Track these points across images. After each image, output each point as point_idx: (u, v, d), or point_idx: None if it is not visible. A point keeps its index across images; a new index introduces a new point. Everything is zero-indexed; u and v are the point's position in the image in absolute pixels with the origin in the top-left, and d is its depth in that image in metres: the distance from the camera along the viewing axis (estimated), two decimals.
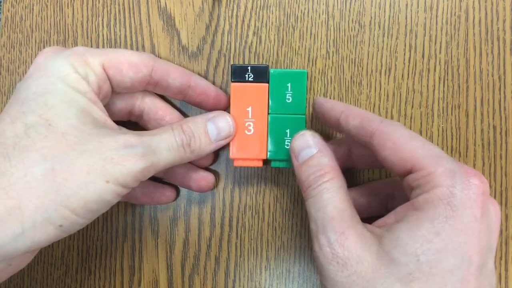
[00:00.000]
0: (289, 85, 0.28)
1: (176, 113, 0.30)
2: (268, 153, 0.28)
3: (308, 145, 0.25)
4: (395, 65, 0.31)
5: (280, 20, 0.32)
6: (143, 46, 0.33)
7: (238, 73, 0.28)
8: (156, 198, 0.31)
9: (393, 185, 0.28)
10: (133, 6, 0.33)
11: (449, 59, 0.31)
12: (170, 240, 0.32)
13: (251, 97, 0.28)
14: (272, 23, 0.32)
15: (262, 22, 0.32)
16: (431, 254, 0.20)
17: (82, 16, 0.33)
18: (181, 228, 0.32)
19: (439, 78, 0.31)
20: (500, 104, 0.31)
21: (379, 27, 0.31)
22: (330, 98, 0.31)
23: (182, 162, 0.26)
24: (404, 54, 0.31)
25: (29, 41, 0.33)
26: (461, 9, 0.31)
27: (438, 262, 0.20)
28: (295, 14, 0.32)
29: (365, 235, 0.22)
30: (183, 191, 0.33)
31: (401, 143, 0.23)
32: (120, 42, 0.33)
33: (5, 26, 0.34)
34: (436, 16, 0.31)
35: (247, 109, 0.28)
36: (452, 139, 0.31)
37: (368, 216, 0.28)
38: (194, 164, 0.31)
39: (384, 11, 0.31)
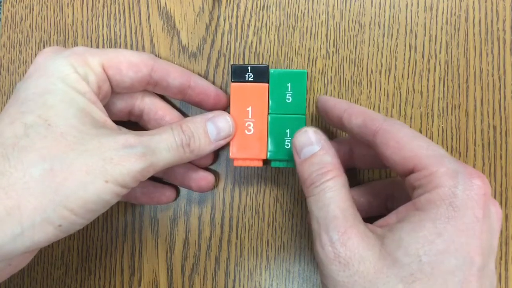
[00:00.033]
0: (289, 85, 0.28)
1: (176, 113, 0.30)
2: (268, 153, 0.28)
3: (310, 142, 0.25)
4: (395, 65, 0.31)
5: (280, 20, 0.31)
6: (143, 46, 0.32)
7: (238, 73, 0.28)
8: (156, 198, 0.31)
9: (393, 185, 0.28)
10: (133, 6, 0.32)
11: (449, 59, 0.31)
12: (170, 240, 0.32)
13: (251, 97, 0.28)
14: (272, 23, 0.31)
15: (262, 22, 0.32)
16: (433, 255, 0.20)
17: (82, 16, 0.33)
18: (181, 228, 0.32)
19: (439, 78, 0.31)
20: (500, 104, 0.30)
21: (379, 27, 0.31)
22: None
23: (182, 162, 0.26)
24: (404, 54, 0.31)
25: (29, 41, 0.33)
26: (461, 9, 0.31)
27: (440, 263, 0.20)
28: (295, 14, 0.31)
29: (367, 235, 0.22)
30: (183, 191, 0.32)
31: (404, 142, 0.22)
32: (120, 42, 0.33)
33: (5, 26, 0.33)
34: (436, 16, 0.31)
35: (247, 109, 0.28)
36: (452, 139, 0.31)
37: (368, 216, 0.27)
38: (194, 164, 0.31)
39: (384, 11, 0.31)
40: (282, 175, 0.32)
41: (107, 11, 0.33)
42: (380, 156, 0.24)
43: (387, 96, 0.31)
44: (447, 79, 0.31)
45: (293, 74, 0.28)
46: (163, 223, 0.32)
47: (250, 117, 0.28)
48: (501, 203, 0.30)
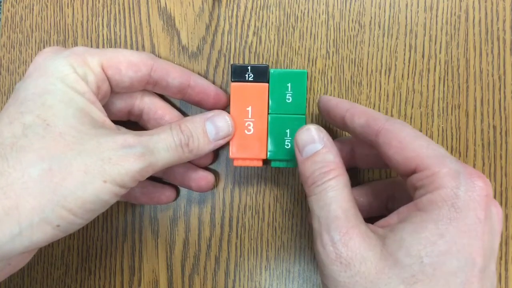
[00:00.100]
0: (289, 85, 0.28)
1: (175, 113, 0.30)
2: (268, 153, 0.28)
3: (313, 140, 0.24)
4: (395, 65, 0.30)
5: (280, 20, 0.31)
6: (143, 46, 0.32)
7: (238, 73, 0.28)
8: (155, 198, 0.30)
9: (394, 186, 0.28)
10: (133, 6, 0.32)
11: (449, 59, 0.30)
12: (170, 240, 0.32)
13: (251, 97, 0.28)
14: (272, 23, 0.31)
15: (262, 22, 0.31)
16: (434, 256, 0.19)
17: (82, 16, 0.32)
18: (181, 228, 0.32)
19: (439, 78, 0.30)
20: (500, 104, 0.30)
21: (379, 27, 0.30)
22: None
23: (181, 162, 0.26)
24: (404, 54, 0.30)
25: (29, 41, 0.33)
26: (461, 9, 0.30)
27: (441, 264, 0.19)
28: (295, 14, 0.31)
29: (369, 235, 0.21)
30: (183, 191, 0.32)
31: (407, 142, 0.22)
32: (120, 42, 0.32)
33: (5, 26, 0.33)
34: (436, 16, 0.30)
35: (247, 108, 0.28)
36: (452, 139, 0.30)
37: (368, 217, 0.27)
38: (194, 163, 0.30)
39: (384, 11, 0.30)
40: (282, 175, 0.31)
41: (107, 11, 0.32)
42: (383, 156, 0.23)
43: (387, 96, 0.30)
44: (447, 79, 0.30)
45: (293, 74, 0.28)
46: (163, 223, 0.32)
47: (250, 117, 0.28)
48: (501, 203, 0.30)
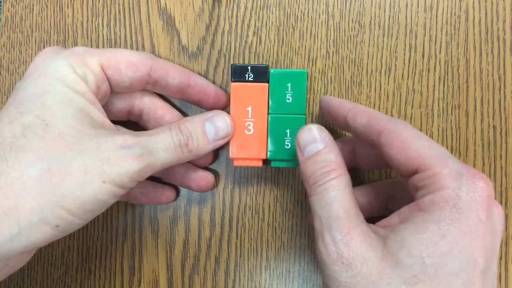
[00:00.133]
0: (289, 85, 0.27)
1: (175, 112, 0.29)
2: (268, 153, 0.27)
3: (314, 140, 0.24)
4: (395, 65, 0.30)
5: (280, 20, 0.31)
6: (143, 46, 0.32)
7: (238, 73, 0.27)
8: (155, 198, 0.30)
9: (394, 186, 0.27)
10: (133, 6, 0.32)
11: (449, 59, 0.30)
12: (170, 240, 0.31)
13: (251, 97, 0.27)
14: (272, 23, 0.31)
15: (262, 22, 0.31)
16: (436, 257, 0.19)
17: (82, 16, 0.32)
18: (181, 228, 0.31)
19: (439, 78, 0.30)
20: (500, 104, 0.30)
21: (379, 27, 0.30)
22: None
23: (180, 162, 0.25)
24: (404, 54, 0.30)
25: (29, 41, 0.32)
26: (461, 9, 0.30)
27: (443, 264, 0.19)
28: (295, 14, 0.31)
29: (370, 235, 0.21)
30: (183, 191, 0.31)
31: (409, 142, 0.22)
32: (120, 42, 0.32)
33: (5, 26, 0.33)
34: (436, 16, 0.30)
35: (247, 108, 0.27)
36: (452, 139, 0.30)
37: (368, 217, 0.27)
38: (194, 163, 0.30)
39: (384, 11, 0.30)
40: (282, 175, 0.31)
41: (107, 11, 0.32)
42: (384, 156, 0.23)
43: (387, 96, 0.30)
44: (447, 79, 0.30)
45: (293, 74, 0.27)
46: (163, 223, 0.31)
47: (250, 117, 0.27)
48: (501, 203, 0.30)
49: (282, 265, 0.31)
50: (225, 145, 0.28)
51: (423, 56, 0.30)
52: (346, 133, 0.30)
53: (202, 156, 0.27)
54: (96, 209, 0.22)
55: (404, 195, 0.25)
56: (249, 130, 0.27)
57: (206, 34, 0.31)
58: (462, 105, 0.30)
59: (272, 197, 0.31)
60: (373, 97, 0.30)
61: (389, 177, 0.30)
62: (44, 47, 0.32)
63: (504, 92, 0.30)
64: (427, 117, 0.30)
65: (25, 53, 0.32)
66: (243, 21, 0.31)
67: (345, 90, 0.30)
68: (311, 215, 0.30)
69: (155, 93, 0.29)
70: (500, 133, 0.30)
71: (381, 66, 0.30)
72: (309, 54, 0.30)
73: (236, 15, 0.31)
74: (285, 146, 0.27)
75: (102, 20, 0.32)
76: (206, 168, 0.31)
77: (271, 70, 0.27)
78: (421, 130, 0.30)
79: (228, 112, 0.27)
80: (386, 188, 0.28)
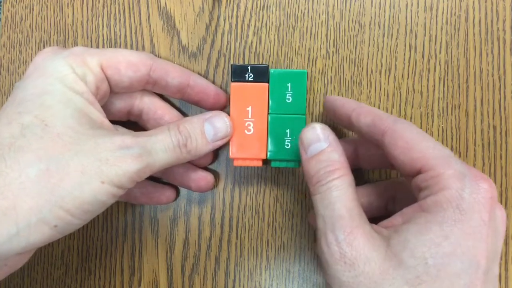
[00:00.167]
0: (289, 85, 0.27)
1: (175, 112, 0.29)
2: (268, 153, 0.27)
3: (318, 139, 0.23)
4: (395, 65, 0.30)
5: (280, 20, 0.30)
6: (143, 46, 0.31)
7: (238, 73, 0.27)
8: (155, 198, 0.30)
9: (395, 186, 0.27)
10: (133, 6, 0.31)
11: (449, 59, 0.29)
12: (170, 240, 0.31)
13: (251, 96, 0.27)
14: (272, 23, 0.30)
15: (262, 22, 0.30)
16: (439, 258, 0.19)
17: (82, 16, 0.32)
18: (181, 228, 0.31)
19: (439, 78, 0.30)
20: (500, 104, 0.29)
21: (379, 27, 0.30)
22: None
23: (179, 162, 0.25)
24: (404, 54, 0.30)
25: (29, 41, 0.32)
26: (461, 9, 0.30)
27: (446, 265, 0.19)
28: (295, 14, 0.30)
29: (373, 235, 0.21)
30: (183, 191, 0.31)
31: (413, 142, 0.21)
32: (120, 42, 0.31)
33: (5, 26, 0.32)
34: (436, 16, 0.30)
35: (247, 108, 0.27)
36: (452, 139, 0.30)
37: (369, 217, 0.26)
38: (193, 164, 0.30)
39: (384, 11, 0.30)
40: (282, 175, 0.30)
41: (107, 11, 0.31)
42: (388, 156, 0.23)
43: (387, 96, 0.30)
44: (447, 79, 0.29)
45: (293, 74, 0.27)
46: (163, 223, 0.31)
47: (250, 117, 0.27)
48: (501, 203, 0.29)
49: (282, 265, 0.30)
50: (225, 145, 0.28)
51: (423, 56, 0.30)
52: (351, 133, 0.30)
53: (201, 156, 0.26)
54: (94, 210, 0.22)
55: (405, 195, 0.25)
56: (249, 130, 0.27)
57: (206, 34, 0.31)
58: (462, 105, 0.29)
59: (272, 197, 0.30)
60: (373, 97, 0.30)
61: (389, 178, 0.30)
62: (44, 47, 0.32)
63: (504, 92, 0.29)
64: (427, 117, 0.30)
65: (25, 53, 0.32)
66: (243, 21, 0.30)
67: (345, 90, 0.30)
68: (311, 214, 0.29)
69: (154, 93, 0.29)
70: (500, 133, 0.29)
71: (381, 66, 0.30)
72: (309, 54, 0.30)
73: (236, 15, 0.30)
74: (285, 146, 0.27)
75: (102, 20, 0.31)
76: (206, 168, 0.30)
77: (271, 70, 0.27)
78: None
79: (228, 112, 0.27)
80: (387, 189, 0.27)
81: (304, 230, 0.30)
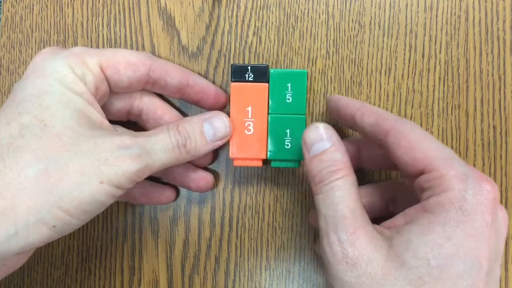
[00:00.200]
0: (289, 85, 0.27)
1: (175, 112, 0.29)
2: (268, 153, 0.27)
3: (321, 138, 0.23)
4: (395, 65, 0.29)
5: (280, 20, 0.30)
6: (143, 46, 0.31)
7: (238, 73, 0.27)
8: (155, 198, 0.29)
9: (396, 187, 0.27)
10: (133, 6, 0.31)
11: (449, 59, 0.29)
12: (170, 240, 0.31)
13: (251, 96, 0.27)
14: (272, 23, 0.30)
15: (262, 22, 0.30)
16: (442, 259, 0.19)
17: (82, 16, 0.31)
18: (181, 228, 0.31)
19: (439, 78, 0.29)
20: (500, 104, 0.29)
21: (379, 27, 0.29)
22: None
23: (178, 162, 0.24)
24: (404, 54, 0.29)
25: (29, 41, 0.32)
26: (461, 9, 0.29)
27: (448, 266, 0.19)
28: (295, 14, 0.30)
29: (375, 236, 0.20)
30: (183, 191, 0.31)
31: (416, 143, 0.21)
32: (120, 42, 0.31)
33: (5, 26, 0.32)
34: (436, 16, 0.29)
35: (247, 108, 0.27)
36: (452, 139, 0.29)
37: (370, 218, 0.26)
38: (193, 164, 0.29)
39: (384, 11, 0.29)
40: (282, 175, 0.30)
41: (107, 11, 0.31)
42: (391, 156, 0.22)
43: (387, 96, 0.29)
44: (447, 79, 0.29)
45: (293, 74, 0.27)
46: (163, 223, 0.31)
47: (250, 117, 0.27)
48: (501, 203, 0.29)
49: (282, 265, 0.30)
50: (225, 145, 0.27)
51: (423, 56, 0.29)
52: (354, 133, 0.29)
53: (200, 156, 0.26)
54: (93, 210, 0.22)
55: (406, 196, 0.25)
56: (249, 130, 0.27)
57: (206, 34, 0.30)
58: (462, 105, 0.29)
59: (272, 197, 0.30)
60: (373, 97, 0.29)
61: (389, 178, 0.29)
62: (44, 47, 0.31)
63: (504, 92, 0.29)
64: (427, 117, 0.29)
65: (25, 53, 0.32)
66: (243, 21, 0.30)
67: (345, 90, 0.30)
68: (311, 214, 0.29)
69: (154, 93, 0.28)
70: (500, 133, 0.29)
71: (381, 66, 0.29)
72: (309, 54, 0.30)
73: (236, 15, 0.30)
74: (285, 146, 0.27)
75: (102, 20, 0.31)
76: (205, 168, 0.30)
77: (271, 70, 0.27)
78: None
79: (228, 112, 0.27)
80: (388, 189, 0.27)
81: (304, 230, 0.30)
